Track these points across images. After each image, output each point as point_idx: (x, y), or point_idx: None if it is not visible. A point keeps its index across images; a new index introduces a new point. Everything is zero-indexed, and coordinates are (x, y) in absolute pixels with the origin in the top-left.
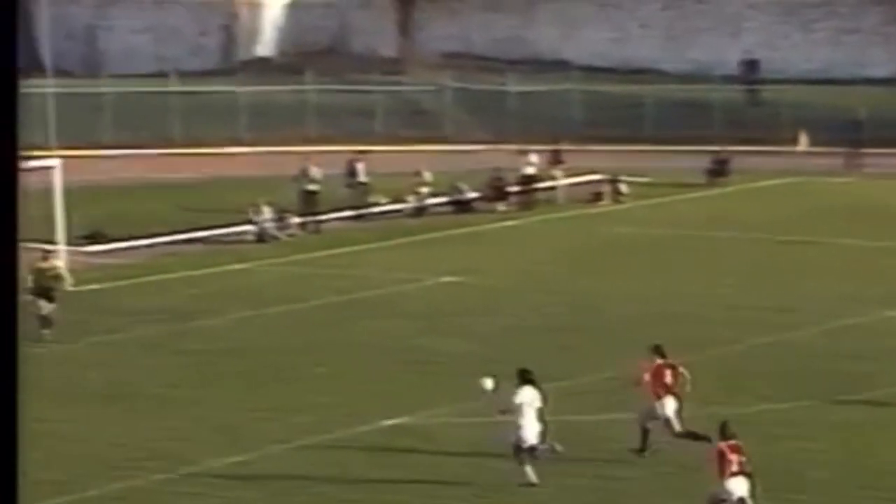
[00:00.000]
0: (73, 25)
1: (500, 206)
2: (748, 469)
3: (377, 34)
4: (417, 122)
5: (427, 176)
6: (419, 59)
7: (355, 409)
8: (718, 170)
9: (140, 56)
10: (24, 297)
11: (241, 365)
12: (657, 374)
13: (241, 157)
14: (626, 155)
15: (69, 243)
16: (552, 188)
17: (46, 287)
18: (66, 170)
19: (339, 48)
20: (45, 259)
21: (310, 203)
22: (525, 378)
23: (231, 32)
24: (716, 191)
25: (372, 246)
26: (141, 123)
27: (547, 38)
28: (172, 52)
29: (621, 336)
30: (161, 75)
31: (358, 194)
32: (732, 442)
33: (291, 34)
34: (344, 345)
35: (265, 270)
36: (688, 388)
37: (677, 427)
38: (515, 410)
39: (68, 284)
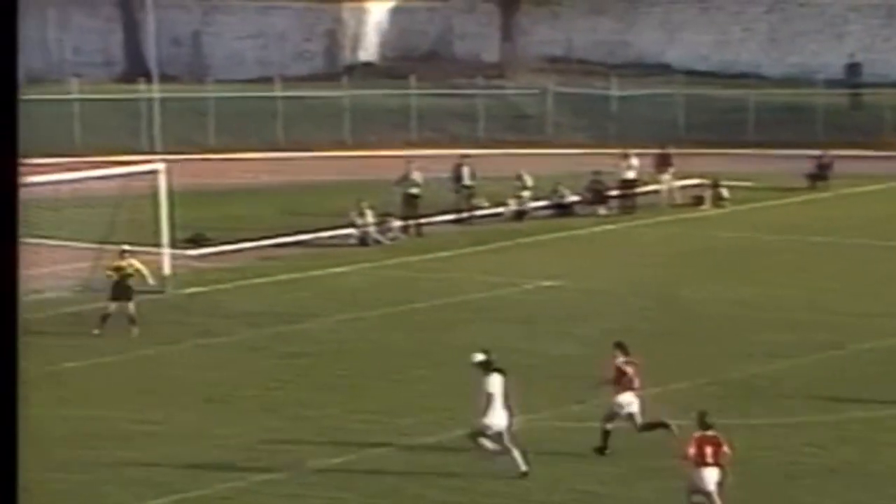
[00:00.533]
0: (180, 31)
1: (601, 210)
2: (723, 461)
3: (480, 38)
4: (519, 126)
5: (528, 180)
6: (522, 63)
7: (455, 413)
8: (820, 174)
9: (245, 61)
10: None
11: (343, 367)
12: (621, 370)
13: (345, 161)
14: (727, 159)
15: (173, 246)
16: (653, 192)
17: (125, 286)
18: (170, 174)
19: (443, 52)
20: (121, 257)
21: (412, 206)
22: (489, 367)
23: (335, 37)
24: (817, 195)
25: (472, 249)
26: (245, 128)
27: (649, 41)
28: (277, 57)
29: (721, 341)
30: (266, 80)
31: (463, 198)
32: (710, 433)
33: (395, 39)
34: (444, 348)
35: (366, 273)
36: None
37: (640, 420)
38: (487, 399)
39: (150, 281)
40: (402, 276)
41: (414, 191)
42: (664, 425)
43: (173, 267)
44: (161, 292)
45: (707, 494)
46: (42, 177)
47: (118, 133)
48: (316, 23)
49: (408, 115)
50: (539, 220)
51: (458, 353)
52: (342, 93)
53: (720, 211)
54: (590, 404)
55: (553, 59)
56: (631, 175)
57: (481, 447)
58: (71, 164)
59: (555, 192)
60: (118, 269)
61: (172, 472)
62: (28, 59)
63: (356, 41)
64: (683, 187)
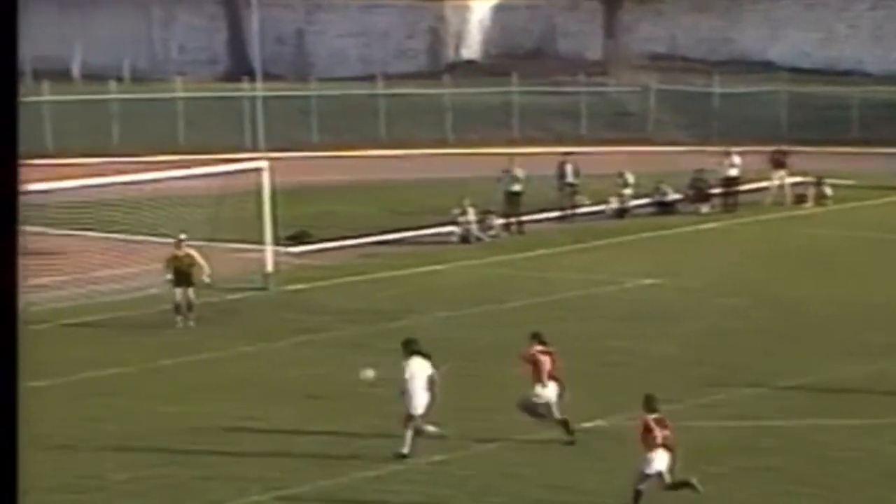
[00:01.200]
0: (284, 30)
1: (703, 209)
2: (670, 443)
3: (583, 36)
4: (621, 124)
5: (630, 177)
6: (624, 60)
7: None
8: None
9: (348, 59)
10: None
11: (438, 364)
12: (538, 361)
13: (446, 159)
14: (830, 157)
15: (275, 244)
16: (756, 190)
17: (186, 273)
18: (273, 172)
19: (545, 50)
20: (178, 247)
21: (513, 204)
22: (411, 350)
23: (438, 35)
24: None
25: (573, 247)
26: (348, 126)
27: (753, 38)
28: (380, 55)
29: (823, 339)
30: (368, 78)
31: (565, 196)
32: (656, 415)
33: (498, 36)
34: None
35: (467, 271)
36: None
37: (556, 413)
38: (408, 382)
39: (206, 274)
40: (502, 273)
41: (516, 188)
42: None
43: (275, 264)
44: (264, 289)
45: (658, 475)
46: (147, 175)
47: (222, 131)
48: (419, 21)
49: (510, 112)
50: (640, 219)
51: (556, 351)
52: (444, 90)
53: (822, 209)
54: (688, 404)
55: (656, 57)
56: (733, 173)
57: (426, 433)
58: (175, 162)
59: (656, 189)
60: (175, 258)
61: (274, 467)
62: (134, 57)
63: (459, 39)
64: (787, 185)
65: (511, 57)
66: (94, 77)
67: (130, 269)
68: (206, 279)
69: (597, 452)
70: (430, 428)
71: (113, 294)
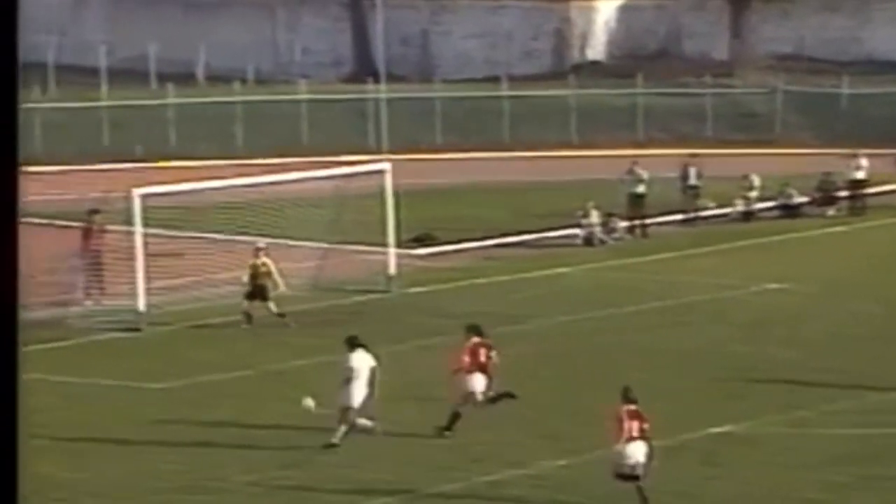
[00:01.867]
0: (408, 31)
1: (830, 212)
2: (648, 435)
3: (709, 36)
4: (748, 126)
5: (755, 180)
6: (751, 61)
7: (679, 416)
8: None
9: (472, 61)
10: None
11: (565, 369)
12: (473, 352)
13: (570, 161)
14: None
15: (398, 246)
16: (885, 193)
17: (260, 284)
18: (397, 173)
19: (671, 51)
20: (256, 255)
21: (637, 206)
22: (353, 344)
23: (563, 36)
24: None
25: (697, 251)
26: (471, 127)
27: (883, 39)
28: (504, 56)
29: None
30: (493, 80)
31: (689, 198)
32: (633, 407)
33: (623, 37)
34: (666, 351)
35: (590, 274)
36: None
37: (479, 398)
38: (352, 376)
39: (282, 285)
40: (626, 277)
41: (640, 190)
42: (510, 395)
43: (398, 266)
44: (387, 292)
45: (633, 467)
46: (270, 177)
47: (345, 133)
48: (544, 22)
49: (634, 114)
50: (766, 222)
51: (681, 356)
52: (569, 92)
53: None
54: (814, 411)
55: (783, 57)
56: (860, 175)
57: (359, 427)
58: (298, 164)
59: (782, 192)
60: (253, 266)
61: (396, 471)
62: (258, 60)
63: (584, 40)
64: None
65: (636, 58)
66: (219, 79)
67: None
68: (282, 287)
69: (725, 459)
70: (364, 422)
71: (234, 297)
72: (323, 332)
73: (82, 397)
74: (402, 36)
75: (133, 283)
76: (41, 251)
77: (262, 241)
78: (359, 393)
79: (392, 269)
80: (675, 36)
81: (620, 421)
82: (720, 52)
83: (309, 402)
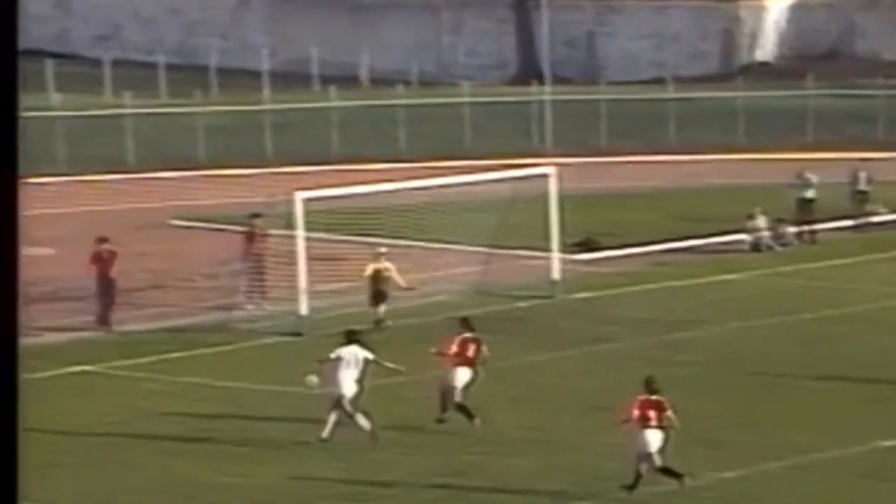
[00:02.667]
0: (574, 32)
1: None
2: (667, 424)
3: (881, 36)
4: None
5: None
6: None
7: (849, 428)
8: None
9: (639, 62)
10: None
11: (730, 378)
12: (462, 346)
13: (737, 165)
14: None
15: (562, 251)
16: None
17: (381, 289)
18: (561, 177)
19: (842, 51)
20: (377, 259)
21: (805, 212)
22: (350, 338)
23: (732, 36)
24: None
25: (868, 258)
26: (637, 131)
27: None
28: (671, 57)
29: None
30: (659, 82)
31: (858, 203)
32: (655, 397)
33: (793, 37)
34: (835, 360)
35: (758, 281)
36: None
37: (458, 398)
38: (333, 363)
39: (404, 283)
40: (794, 284)
41: (808, 195)
42: (469, 416)
43: (562, 271)
44: (550, 297)
45: (648, 456)
46: (433, 180)
47: (509, 136)
48: (712, 22)
49: (804, 116)
50: None
51: (852, 365)
52: (736, 94)
53: None
54: None
55: None
56: None
57: (355, 422)
58: (461, 167)
59: None
60: (375, 271)
61: (561, 481)
62: (421, 62)
63: (753, 40)
64: None
65: (806, 58)
66: (382, 82)
67: (419, 275)
68: (404, 284)
69: (893, 474)
70: (363, 420)
71: (398, 301)
72: (486, 338)
73: (246, 402)
74: (567, 37)
75: (295, 287)
76: (203, 255)
77: (382, 247)
78: (348, 382)
79: (556, 275)
80: (847, 36)
81: (641, 410)
82: (893, 52)
83: (313, 380)
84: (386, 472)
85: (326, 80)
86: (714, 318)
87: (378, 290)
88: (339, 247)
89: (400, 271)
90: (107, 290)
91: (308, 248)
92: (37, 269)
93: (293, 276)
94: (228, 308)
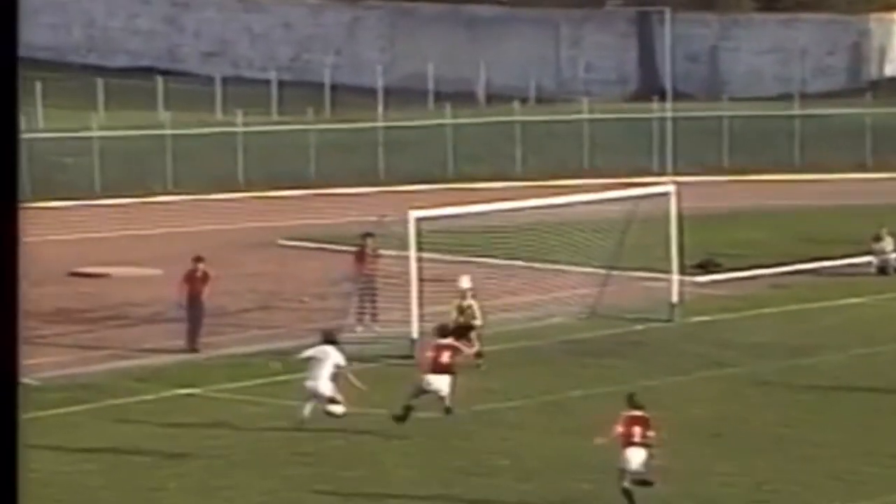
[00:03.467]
0: (696, 47)
1: None
2: (650, 442)
3: None
4: None
5: None
6: None
7: None
8: None
9: (763, 78)
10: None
11: (858, 406)
12: (437, 351)
13: (865, 184)
14: None
15: (681, 272)
16: None
17: (465, 325)
18: (681, 196)
19: None
20: (463, 296)
21: None
22: (326, 339)
23: (861, 51)
24: None
25: None
26: (760, 148)
27: None
28: (797, 73)
29: None
30: (784, 98)
31: None
32: (638, 413)
33: None
34: None
35: (882, 305)
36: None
37: (447, 403)
38: (306, 362)
39: (478, 323)
40: None
41: None
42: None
43: (681, 294)
44: (669, 321)
45: (633, 473)
46: (552, 199)
47: (628, 154)
48: (840, 36)
49: None
50: None
51: None
52: (865, 110)
53: None
54: None
55: None
56: None
57: (327, 411)
58: (578, 186)
59: None
60: (458, 308)
61: None
62: (539, 77)
63: (882, 55)
64: None
65: None
66: (499, 98)
67: (532, 298)
68: (479, 323)
69: None
70: (335, 407)
71: (513, 323)
72: (601, 362)
73: (351, 425)
74: (689, 52)
75: (407, 308)
76: (314, 276)
77: (466, 280)
78: (325, 382)
79: (675, 297)
80: None
81: (627, 426)
82: None
83: (276, 366)
84: (496, 498)
85: (442, 97)
86: (836, 344)
87: (460, 325)
88: (453, 267)
89: (519, 291)
90: (195, 311)
91: (420, 269)
92: (144, 289)
93: (405, 298)
94: (338, 330)
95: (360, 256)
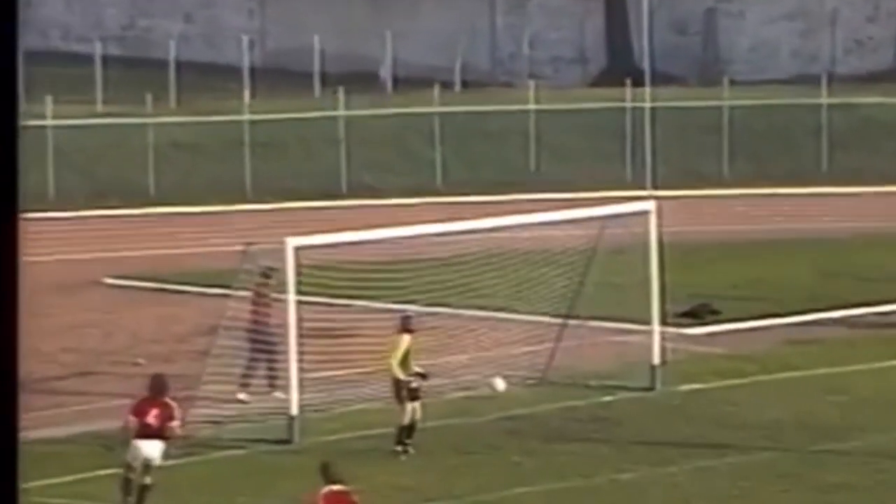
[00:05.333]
0: (686, 12)
1: None
2: None
3: None
4: None
5: None
6: None
7: None
8: None
9: (778, 54)
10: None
11: None
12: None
13: None
14: None
15: (663, 322)
16: None
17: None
18: (666, 217)
19: None
20: (405, 329)
21: None
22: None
23: None
24: None
25: None
26: (773, 151)
27: None
28: (824, 48)
29: None
30: (807, 82)
31: None
32: (338, 488)
33: None
34: None
35: None
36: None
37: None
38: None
39: (415, 368)
40: None
41: None
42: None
43: (666, 353)
44: (649, 389)
45: None
46: (482, 222)
47: (591, 158)
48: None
49: None
50: None
51: None
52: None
53: None
54: None
55: None
56: None
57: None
58: (522, 202)
59: None
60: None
61: None
62: (467, 56)
63: None
64: None
65: None
66: (412, 83)
67: (461, 357)
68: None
69: None
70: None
71: (436, 393)
72: (555, 447)
73: None
74: (676, 19)
75: (283, 374)
76: (152, 326)
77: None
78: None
79: (656, 357)
80: None
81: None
82: None
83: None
84: None
85: (332, 81)
86: (877, 422)
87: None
88: (347, 316)
89: (433, 350)
90: None
91: (300, 319)
92: None
93: (281, 359)
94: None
95: (257, 301)
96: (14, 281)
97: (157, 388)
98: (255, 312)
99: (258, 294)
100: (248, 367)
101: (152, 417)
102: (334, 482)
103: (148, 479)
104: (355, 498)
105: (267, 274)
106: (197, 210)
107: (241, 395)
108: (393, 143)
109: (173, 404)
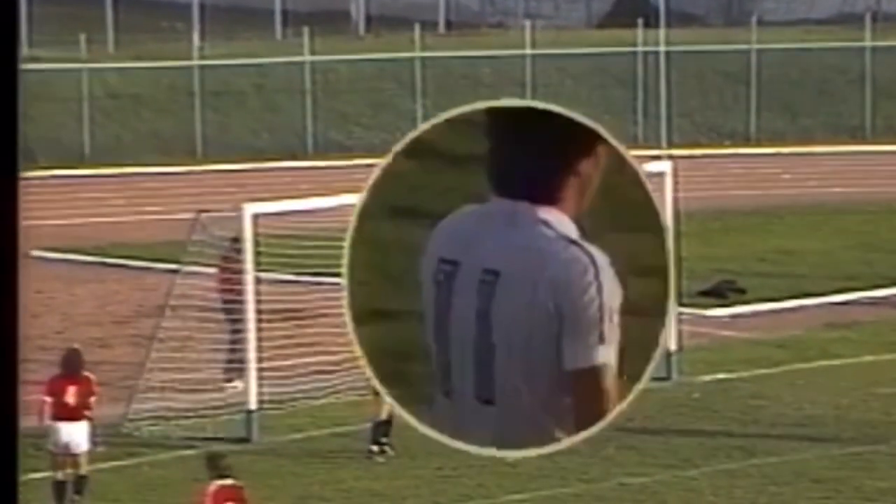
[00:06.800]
0: None
1: None
2: None
3: None
4: None
5: None
6: None
7: None
8: None
9: None
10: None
11: None
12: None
13: None
14: None
15: (679, 303)
16: None
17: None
18: (683, 178)
19: None
20: None
21: None
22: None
23: None
24: None
25: None
26: (808, 104)
27: None
28: None
29: None
30: (848, 21)
31: None
32: (229, 482)
33: None
34: None
35: None
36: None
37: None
38: None
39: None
40: None
41: None
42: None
43: (684, 336)
44: (664, 379)
45: None
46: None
47: (597, 111)
48: None
49: None
50: None
51: None
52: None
53: None
54: None
55: None
56: None
57: None
58: None
59: None
60: None
61: None
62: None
63: None
64: None
65: None
66: (387, 23)
67: None
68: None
69: None
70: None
71: None
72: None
73: None
74: None
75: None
76: (86, 306)
77: None
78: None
79: (673, 343)
80: None
81: (217, 501)
82: None
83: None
84: None
85: (295, 21)
86: None
87: None
88: (315, 295)
89: None
90: None
91: (259, 298)
92: None
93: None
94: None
95: (228, 273)
96: (14, 280)
97: (72, 364)
98: (225, 287)
99: (226, 266)
100: (232, 350)
101: (70, 396)
102: (223, 476)
103: (82, 470)
104: (245, 494)
105: (237, 239)
106: (139, 171)
107: (237, 383)
108: (366, 93)
109: (92, 377)
